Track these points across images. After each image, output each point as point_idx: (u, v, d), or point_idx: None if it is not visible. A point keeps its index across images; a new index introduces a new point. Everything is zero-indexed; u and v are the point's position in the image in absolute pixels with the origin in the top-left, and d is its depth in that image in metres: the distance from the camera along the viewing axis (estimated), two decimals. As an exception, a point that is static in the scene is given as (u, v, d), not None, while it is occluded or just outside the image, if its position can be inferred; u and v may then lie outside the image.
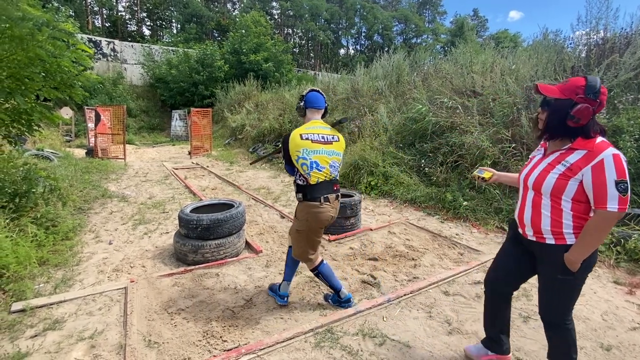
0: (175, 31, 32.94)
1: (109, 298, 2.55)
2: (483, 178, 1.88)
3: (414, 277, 2.96)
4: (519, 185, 1.65)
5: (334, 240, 3.73)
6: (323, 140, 2.24)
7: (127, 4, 33.62)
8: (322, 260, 2.44)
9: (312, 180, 2.19)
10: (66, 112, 12.41)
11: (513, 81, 5.66)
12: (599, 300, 2.63)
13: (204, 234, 3.09)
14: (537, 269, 1.60)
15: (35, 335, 2.09)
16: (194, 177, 7.65)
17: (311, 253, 2.35)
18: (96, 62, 17.81)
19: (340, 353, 2.00)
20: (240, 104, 15.24)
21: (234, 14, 35.89)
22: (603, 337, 2.20)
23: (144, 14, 34.53)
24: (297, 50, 39.93)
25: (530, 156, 1.67)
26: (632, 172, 3.83)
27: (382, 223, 4.37)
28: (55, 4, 16.97)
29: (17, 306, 2.32)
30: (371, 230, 4.08)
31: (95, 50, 18.21)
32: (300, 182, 2.25)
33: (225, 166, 9.30)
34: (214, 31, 33.56)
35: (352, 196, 4.05)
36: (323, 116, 2.42)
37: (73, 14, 20.91)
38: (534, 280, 1.71)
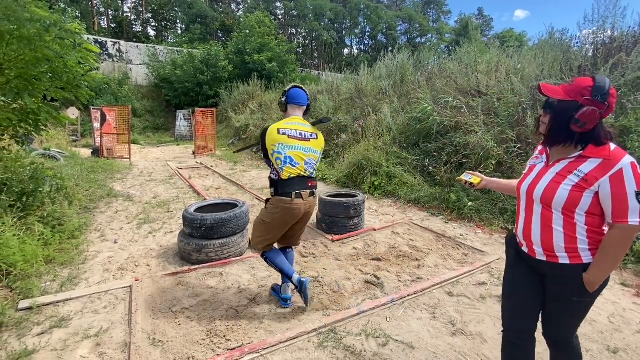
0: (180, 32, 33.22)
1: (114, 296, 2.57)
2: (471, 183, 1.72)
3: (418, 278, 2.94)
4: (518, 197, 1.46)
5: (337, 240, 3.73)
6: (300, 136, 2.27)
7: (133, 4, 33.92)
8: (273, 248, 2.43)
9: (284, 175, 2.21)
10: (72, 112, 12.54)
11: (518, 81, 5.61)
12: (605, 303, 2.60)
13: (208, 233, 3.11)
14: (547, 289, 1.42)
15: (42, 333, 2.12)
16: (198, 177, 7.68)
17: (266, 244, 2.37)
18: (102, 62, 17.97)
19: (344, 353, 2.00)
20: (244, 104, 15.29)
21: (238, 14, 36.04)
22: (610, 339, 2.17)
23: (149, 15, 34.82)
24: (300, 50, 39.97)
25: (529, 165, 1.48)
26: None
27: (386, 223, 4.36)
28: (62, 6, 17.14)
29: (24, 304, 2.35)
30: (375, 230, 4.07)
31: (102, 51, 18.38)
32: (273, 177, 2.29)
33: (229, 166, 9.34)
34: (219, 31, 33.72)
35: (356, 196, 4.05)
36: (305, 113, 2.45)
37: (79, 15, 21.13)
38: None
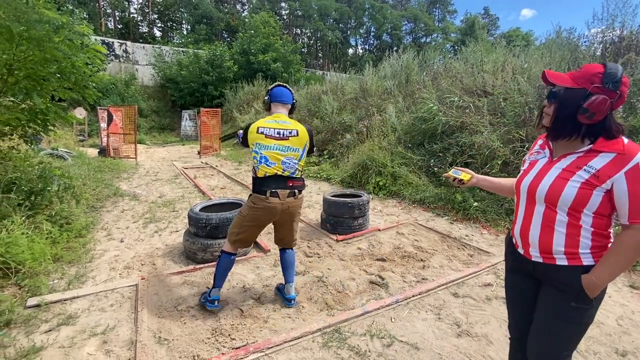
0: (185, 32, 33.43)
1: (121, 295, 2.60)
2: (460, 180, 1.56)
3: (423, 279, 2.93)
4: (517, 195, 1.34)
5: (341, 241, 3.72)
6: (278, 135, 2.28)
7: (139, 5, 34.23)
8: (234, 255, 2.40)
9: (260, 173, 2.26)
10: (80, 112, 12.69)
11: (525, 80, 5.56)
12: (614, 305, 2.56)
13: (213, 232, 3.12)
14: (540, 296, 1.28)
15: (50, 330, 2.15)
16: (203, 177, 7.73)
17: (236, 239, 2.35)
18: (109, 63, 18.15)
19: (348, 353, 1.99)
20: (249, 104, 15.35)
21: (243, 14, 36.17)
22: (618, 342, 2.14)
23: (155, 16, 35.10)
24: (305, 50, 40.00)
25: (529, 160, 1.33)
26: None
27: (391, 223, 4.35)
28: (70, 7, 17.37)
29: (32, 301, 2.38)
30: (379, 230, 4.06)
31: (108, 52, 18.57)
32: (252, 174, 2.33)
33: (234, 166, 9.38)
34: (224, 32, 33.91)
35: (360, 196, 4.04)
36: (291, 112, 2.46)
37: (87, 16, 21.36)
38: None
